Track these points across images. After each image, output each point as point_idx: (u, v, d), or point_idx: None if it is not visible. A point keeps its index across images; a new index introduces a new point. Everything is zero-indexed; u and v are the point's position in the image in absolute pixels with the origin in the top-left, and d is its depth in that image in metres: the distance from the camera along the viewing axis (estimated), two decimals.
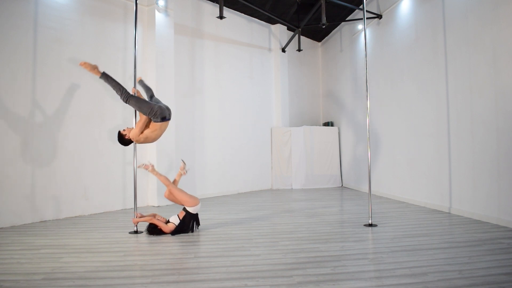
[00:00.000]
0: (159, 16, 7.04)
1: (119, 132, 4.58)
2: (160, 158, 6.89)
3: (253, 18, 9.48)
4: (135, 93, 4.71)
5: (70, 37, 5.92)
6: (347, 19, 9.29)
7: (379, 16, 7.74)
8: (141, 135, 4.44)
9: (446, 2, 5.69)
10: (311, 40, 11.31)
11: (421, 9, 6.37)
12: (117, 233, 4.63)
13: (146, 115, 4.32)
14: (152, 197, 6.94)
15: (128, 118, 6.53)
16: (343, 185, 9.95)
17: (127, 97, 4.26)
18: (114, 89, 4.27)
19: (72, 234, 4.58)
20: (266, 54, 9.86)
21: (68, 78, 5.85)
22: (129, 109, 6.58)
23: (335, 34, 10.36)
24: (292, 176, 9.66)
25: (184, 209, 4.51)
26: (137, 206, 5.18)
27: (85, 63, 4.20)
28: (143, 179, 6.87)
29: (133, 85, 4.86)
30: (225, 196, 8.31)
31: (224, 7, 7.67)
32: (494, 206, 4.74)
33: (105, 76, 4.25)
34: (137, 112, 4.63)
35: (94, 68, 4.24)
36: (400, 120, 7.06)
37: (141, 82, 4.99)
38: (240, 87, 9.08)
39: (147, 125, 4.47)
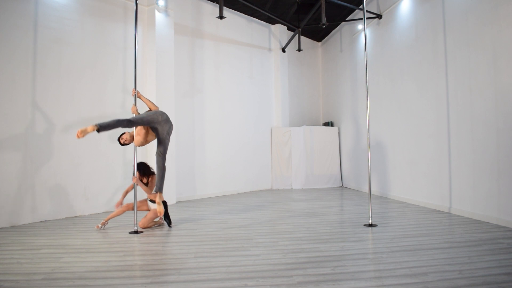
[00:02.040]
0: (159, 16, 7.04)
1: (118, 140, 4.73)
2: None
3: (253, 18, 9.48)
4: (135, 94, 4.75)
5: (70, 37, 5.92)
6: (347, 19, 9.29)
7: (379, 16, 7.74)
8: (144, 142, 4.62)
9: (446, 2, 5.68)
10: (311, 40, 11.31)
11: (421, 9, 6.37)
12: (117, 233, 4.63)
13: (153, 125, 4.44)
14: None
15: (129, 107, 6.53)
16: (343, 185, 9.95)
17: (129, 123, 4.18)
18: (117, 127, 4.14)
19: (72, 234, 4.58)
20: (266, 54, 9.86)
21: (68, 78, 5.85)
22: (129, 109, 6.59)
23: (335, 34, 10.36)
24: (292, 176, 9.66)
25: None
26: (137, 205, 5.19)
27: (81, 132, 3.85)
28: None
29: (133, 86, 4.86)
30: (225, 196, 8.31)
31: (224, 7, 7.67)
32: (494, 206, 4.74)
33: (103, 127, 3.96)
34: (137, 100, 4.89)
35: (88, 129, 3.88)
36: (400, 120, 7.06)
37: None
38: (240, 87, 9.08)
39: (148, 131, 4.59)
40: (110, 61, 6.48)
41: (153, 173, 5.05)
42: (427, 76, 6.17)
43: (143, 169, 5.00)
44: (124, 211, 4.89)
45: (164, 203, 4.82)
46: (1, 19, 5.11)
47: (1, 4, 5.13)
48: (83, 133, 3.84)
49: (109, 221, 5.05)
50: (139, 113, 4.68)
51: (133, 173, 4.77)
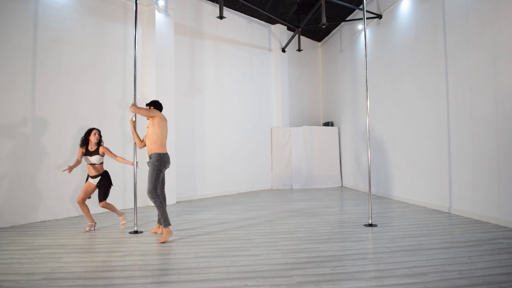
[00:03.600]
0: (159, 16, 7.04)
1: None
2: None
3: (253, 18, 9.48)
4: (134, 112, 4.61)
5: (70, 37, 5.92)
6: (347, 19, 9.29)
7: (379, 16, 7.74)
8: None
9: (446, 2, 5.68)
10: (311, 40, 11.31)
11: (421, 9, 6.37)
12: (117, 233, 4.63)
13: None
14: None
15: (128, 118, 6.53)
16: (343, 185, 9.95)
17: (159, 192, 4.28)
18: (165, 206, 4.29)
19: (72, 234, 4.58)
20: (266, 54, 9.86)
21: (68, 78, 5.86)
22: (128, 108, 6.60)
23: (335, 34, 10.36)
24: (292, 176, 9.66)
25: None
26: (137, 206, 5.18)
27: (165, 241, 4.13)
28: (143, 179, 6.86)
29: (133, 86, 4.85)
30: (225, 196, 8.31)
31: (224, 7, 7.67)
32: (494, 206, 4.74)
33: (167, 221, 4.18)
34: (137, 114, 4.77)
35: (171, 234, 4.18)
36: (400, 120, 7.06)
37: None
38: (240, 87, 9.08)
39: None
40: (110, 61, 6.48)
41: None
42: (427, 76, 6.17)
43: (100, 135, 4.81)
44: (85, 207, 4.72)
45: (106, 172, 4.79)
46: (1, 19, 5.11)
47: (1, 4, 5.13)
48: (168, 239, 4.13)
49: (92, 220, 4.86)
50: (136, 132, 4.64)
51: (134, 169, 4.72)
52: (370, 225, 4.79)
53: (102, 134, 6.34)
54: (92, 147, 4.71)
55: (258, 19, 9.58)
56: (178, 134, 7.45)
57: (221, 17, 6.84)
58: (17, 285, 2.83)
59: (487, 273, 2.92)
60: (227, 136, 8.66)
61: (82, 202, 4.68)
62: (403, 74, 6.91)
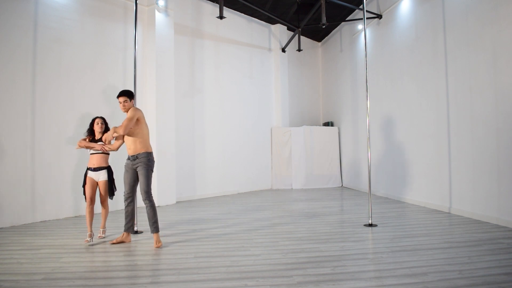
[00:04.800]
0: (159, 16, 7.04)
1: None
2: (159, 158, 6.88)
3: (253, 18, 9.48)
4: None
5: (70, 37, 5.92)
6: (347, 19, 9.29)
7: (379, 16, 7.74)
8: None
9: (446, 2, 5.68)
10: (311, 40, 11.31)
11: (421, 9, 6.37)
12: (117, 233, 4.63)
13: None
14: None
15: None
16: (343, 185, 9.95)
17: (149, 191, 4.19)
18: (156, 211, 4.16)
19: (72, 234, 4.58)
20: (266, 54, 9.86)
21: (68, 78, 5.85)
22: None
23: (335, 34, 10.36)
24: (292, 176, 9.66)
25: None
26: (137, 206, 5.19)
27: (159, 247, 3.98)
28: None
29: (133, 86, 4.85)
30: (225, 196, 8.31)
31: (224, 7, 7.67)
32: (494, 206, 4.74)
33: (157, 227, 4.03)
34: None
35: (160, 242, 4.01)
36: (400, 120, 7.06)
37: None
38: (240, 87, 9.08)
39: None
40: (110, 61, 6.48)
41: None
42: (427, 76, 6.17)
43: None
44: (92, 212, 4.36)
45: (110, 167, 4.59)
46: (1, 19, 5.11)
47: (1, 4, 5.13)
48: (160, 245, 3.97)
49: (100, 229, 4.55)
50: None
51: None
52: (370, 225, 4.79)
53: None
54: (97, 136, 4.48)
55: (258, 19, 9.58)
56: (178, 134, 7.45)
57: (221, 17, 6.84)
58: (17, 285, 2.83)
59: (487, 273, 2.92)
60: (227, 136, 8.66)
61: (91, 205, 4.35)
62: (403, 74, 6.91)
